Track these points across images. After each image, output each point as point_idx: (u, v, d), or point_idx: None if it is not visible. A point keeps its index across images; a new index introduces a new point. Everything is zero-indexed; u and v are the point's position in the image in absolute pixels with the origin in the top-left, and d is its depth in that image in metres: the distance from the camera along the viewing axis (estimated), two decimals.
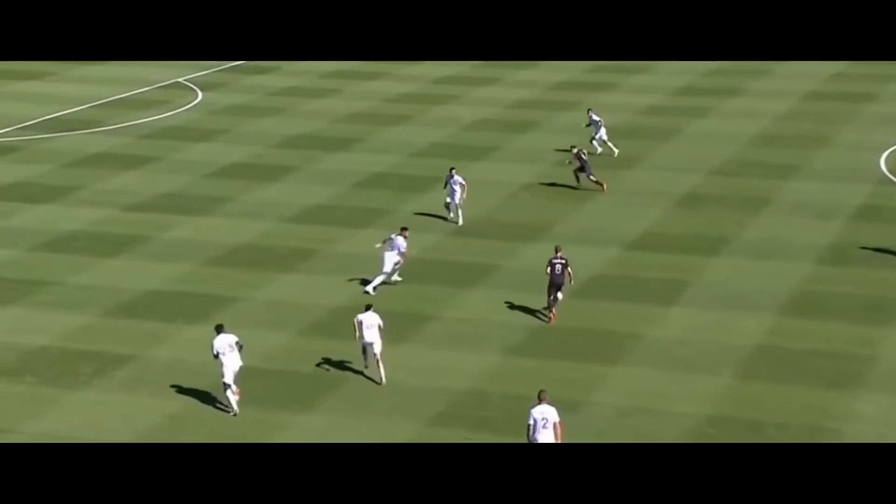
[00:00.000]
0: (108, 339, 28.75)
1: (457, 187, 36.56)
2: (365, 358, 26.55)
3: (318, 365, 27.50)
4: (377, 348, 26.26)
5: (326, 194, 40.14)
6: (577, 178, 39.62)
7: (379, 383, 26.35)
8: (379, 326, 26.37)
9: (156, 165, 43.42)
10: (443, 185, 37.56)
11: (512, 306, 30.57)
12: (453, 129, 48.34)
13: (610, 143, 43.94)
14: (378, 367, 26.38)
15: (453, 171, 36.93)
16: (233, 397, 25.08)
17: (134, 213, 38.41)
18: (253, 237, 36.16)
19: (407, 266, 32.59)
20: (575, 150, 39.85)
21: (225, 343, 25.12)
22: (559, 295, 29.49)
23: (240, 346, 25.16)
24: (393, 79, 57.76)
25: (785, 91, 54.09)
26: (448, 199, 36.81)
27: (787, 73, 57.60)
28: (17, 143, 46.21)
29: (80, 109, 51.37)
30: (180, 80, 56.96)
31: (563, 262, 29.49)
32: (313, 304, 30.93)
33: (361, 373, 26.91)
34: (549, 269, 29.51)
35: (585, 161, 39.52)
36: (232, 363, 25.03)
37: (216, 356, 25.06)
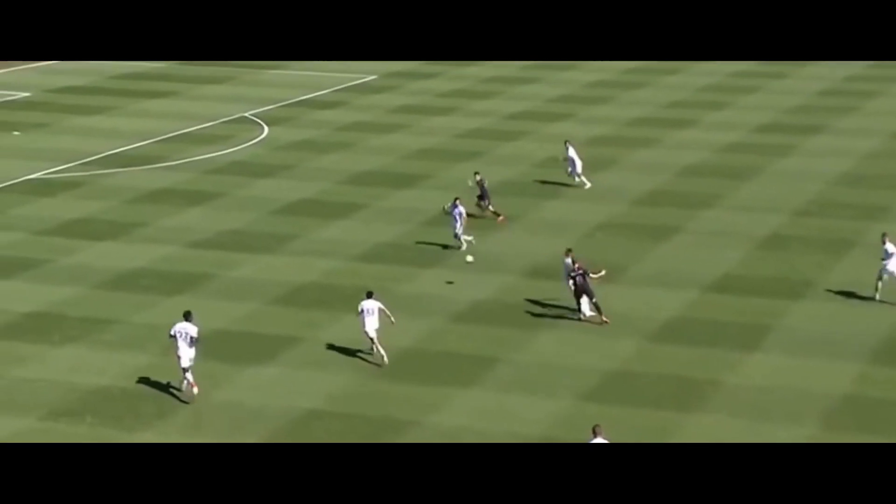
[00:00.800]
0: (171, 379, 29.11)
1: (458, 218, 38.03)
2: (372, 342, 29.82)
3: (382, 408, 27.66)
4: (374, 333, 29.73)
5: (393, 232, 40.42)
6: (480, 207, 40.86)
7: (381, 366, 29.52)
8: (380, 309, 29.87)
9: (220, 202, 43.97)
10: (446, 214, 38.35)
11: (584, 350, 30.59)
12: (524, 167, 48.53)
13: (583, 178, 44.83)
14: (378, 349, 29.74)
15: (457, 202, 38.21)
16: (186, 383, 27.82)
17: (198, 250, 38.91)
18: (318, 276, 36.49)
19: (476, 308, 32.81)
20: (478, 178, 41.29)
21: (183, 329, 27.83)
22: (592, 301, 31.95)
23: (195, 340, 27.78)
24: (462, 114, 58.11)
25: (872, 129, 53.75)
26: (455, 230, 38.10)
27: (875, 111, 57.22)
28: (80, 178, 47.01)
29: (144, 145, 52.16)
30: (246, 114, 57.69)
31: (583, 272, 32.02)
32: (391, 344, 31.08)
33: (430, 416, 27.03)
34: (570, 284, 32.06)
35: (486, 190, 40.96)
36: (186, 351, 27.71)
37: (171, 337, 27.88)
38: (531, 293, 34.77)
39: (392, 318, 30.26)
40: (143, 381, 29.28)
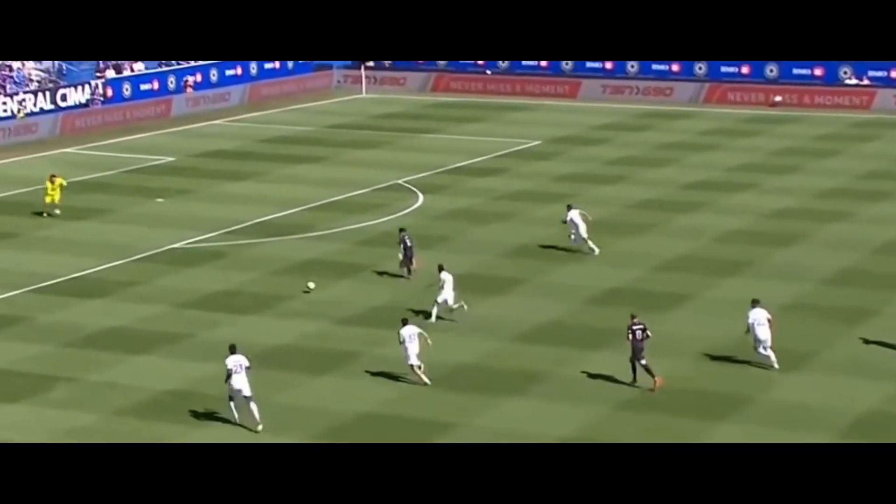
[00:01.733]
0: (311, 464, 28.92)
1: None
2: (412, 368, 33.46)
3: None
4: (416, 360, 33.56)
5: (558, 311, 39.95)
6: (406, 266, 42.89)
7: (424, 385, 33.45)
8: (419, 335, 33.67)
9: (370, 274, 44.05)
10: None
11: (765, 440, 29.69)
12: (703, 241, 47.76)
13: (590, 242, 45.62)
14: (420, 374, 33.54)
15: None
16: (235, 411, 31.40)
17: (346, 326, 38.93)
18: (476, 357, 36.15)
19: (643, 398, 32.08)
20: (402, 235, 43.23)
21: (236, 363, 31.44)
22: (643, 360, 32.84)
23: (248, 368, 31.42)
24: (632, 182, 57.58)
25: None
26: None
27: None
28: (224, 248, 47.60)
29: (292, 213, 52.68)
30: (399, 181, 57.99)
31: (643, 326, 33.13)
32: (540, 432, 30.57)
33: None
34: (630, 337, 32.98)
35: (410, 248, 42.82)
36: (244, 382, 31.34)
37: (228, 372, 31.37)
38: (710, 380, 33.91)
39: (429, 340, 34.05)
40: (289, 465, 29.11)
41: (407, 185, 57.52)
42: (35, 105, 70.89)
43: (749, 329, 34.85)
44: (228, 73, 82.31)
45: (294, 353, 36.77)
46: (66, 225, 49.22)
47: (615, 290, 41.99)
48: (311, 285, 41.51)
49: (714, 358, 35.73)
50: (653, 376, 33.12)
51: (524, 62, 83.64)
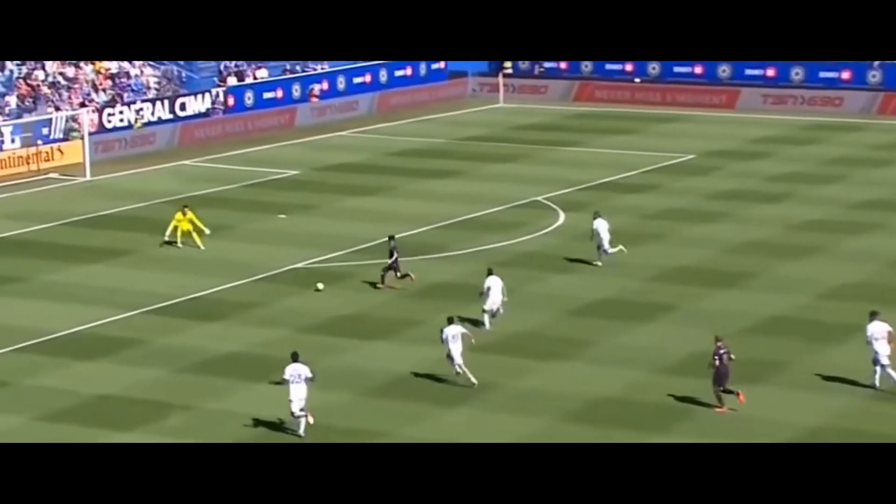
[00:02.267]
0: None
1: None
2: (452, 364, 35.78)
3: None
4: (460, 358, 35.72)
5: (708, 339, 39.53)
6: (390, 275, 44.78)
7: (471, 386, 35.68)
8: (462, 335, 35.93)
9: (511, 299, 44.06)
10: None
11: None
12: (875, 266, 47.03)
13: (609, 252, 47.20)
14: (465, 372, 35.81)
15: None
16: (303, 421, 32.84)
17: (480, 354, 38.94)
18: (618, 390, 35.97)
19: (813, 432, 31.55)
20: (392, 244, 45.00)
21: (295, 372, 32.94)
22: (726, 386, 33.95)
23: (310, 379, 33.01)
24: (797, 201, 56.92)
25: None
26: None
27: None
28: (348, 268, 47.95)
29: (421, 231, 52.91)
30: (539, 198, 57.98)
31: (727, 351, 34.15)
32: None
33: None
34: (715, 361, 34.05)
35: (395, 258, 44.62)
36: (300, 392, 32.87)
37: (283, 380, 33.05)
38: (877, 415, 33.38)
39: (473, 340, 36.54)
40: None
41: (547, 202, 57.47)
42: (153, 114, 72.12)
43: (868, 343, 35.37)
44: (356, 80, 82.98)
45: (423, 381, 36.87)
46: (190, 241, 49.95)
47: (778, 318, 41.47)
48: (321, 286, 44.26)
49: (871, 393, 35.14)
50: (735, 392, 34.16)
51: (676, 69, 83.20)
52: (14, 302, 44.47)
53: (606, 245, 47.24)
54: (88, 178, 63.30)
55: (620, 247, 47.59)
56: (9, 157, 64.27)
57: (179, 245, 49.91)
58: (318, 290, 44.47)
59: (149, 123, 71.59)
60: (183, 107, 73.51)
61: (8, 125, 65.68)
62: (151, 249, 50.13)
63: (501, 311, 40.61)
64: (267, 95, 78.26)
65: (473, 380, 35.97)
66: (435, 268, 47.82)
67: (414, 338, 40.41)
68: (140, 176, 64.31)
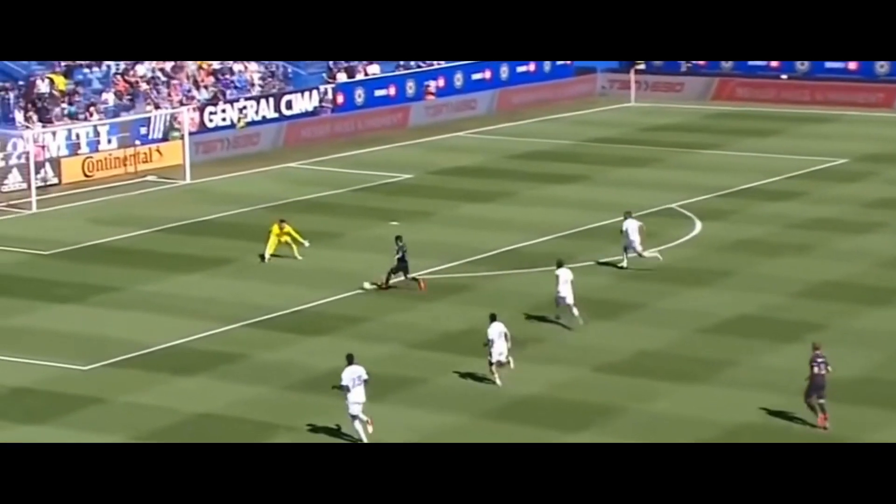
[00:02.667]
0: None
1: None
2: (490, 364, 37.75)
3: None
4: (502, 357, 37.80)
5: (861, 364, 39.28)
6: (397, 277, 46.23)
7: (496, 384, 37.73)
8: (505, 335, 37.81)
9: (636, 315, 44.02)
10: None
11: None
12: None
13: (629, 255, 48.19)
14: (508, 366, 37.85)
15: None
16: (361, 427, 33.92)
17: (608, 375, 38.99)
18: (755, 415, 35.82)
19: None
20: (400, 244, 46.30)
21: (354, 375, 34.01)
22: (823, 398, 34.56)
23: (367, 381, 34.07)
24: None
25: None
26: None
27: None
28: (464, 280, 48.15)
29: (545, 240, 52.97)
30: (673, 205, 57.84)
31: (824, 361, 34.68)
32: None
33: None
34: (814, 369, 34.59)
35: (404, 259, 45.95)
36: (360, 395, 33.99)
37: (344, 387, 34.07)
38: None
39: (508, 343, 37.95)
40: None
41: (682, 209, 57.32)
42: (257, 113, 72.83)
43: None
44: (475, 77, 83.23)
45: (545, 405, 36.99)
46: (287, 250, 50.48)
47: None
48: (367, 286, 46.12)
49: None
50: (823, 412, 34.75)
51: (827, 64, 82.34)
52: (109, 313, 45.25)
53: (638, 246, 47.96)
54: (188, 181, 64.19)
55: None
56: (105, 159, 65.11)
57: (278, 254, 50.32)
58: (363, 289, 46.22)
59: (252, 123, 72.34)
60: (289, 105, 74.21)
61: (104, 124, 66.61)
62: (253, 258, 50.69)
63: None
64: (379, 93, 78.75)
65: (499, 382, 38.03)
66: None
67: (537, 356, 40.49)
68: (242, 179, 65.08)
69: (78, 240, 53.95)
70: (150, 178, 64.98)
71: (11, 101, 65.95)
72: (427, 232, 54.67)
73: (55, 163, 63.39)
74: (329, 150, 70.77)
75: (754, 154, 68.72)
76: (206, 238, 54.20)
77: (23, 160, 61.54)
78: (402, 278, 46.44)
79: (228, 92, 73.59)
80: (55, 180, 62.91)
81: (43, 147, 63.29)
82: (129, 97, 70.21)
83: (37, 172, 60.88)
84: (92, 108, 67.50)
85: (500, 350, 37.85)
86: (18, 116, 65.48)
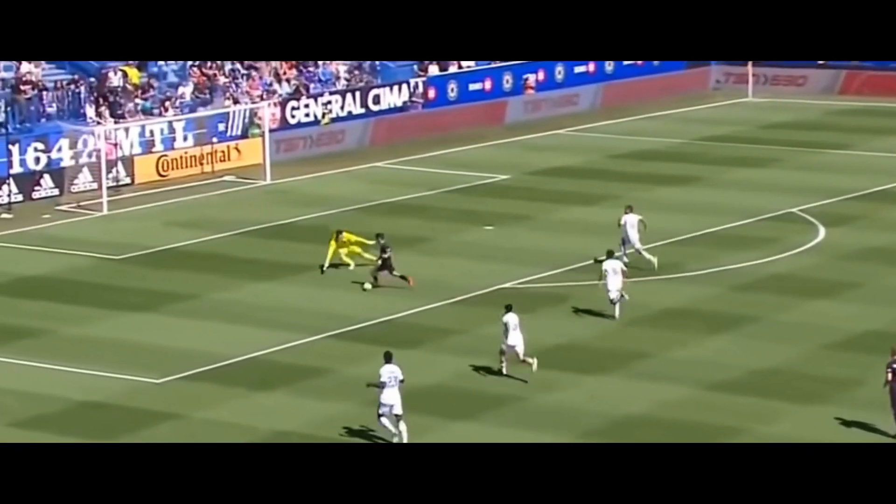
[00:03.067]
0: None
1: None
2: (502, 354, 39.51)
3: None
4: (520, 348, 39.33)
5: None
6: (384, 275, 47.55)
7: (525, 381, 39.16)
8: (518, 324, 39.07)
9: (754, 328, 43.84)
10: None
11: None
12: None
13: (627, 252, 48.84)
14: (524, 362, 39.32)
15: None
16: (390, 425, 35.11)
17: (717, 393, 38.87)
18: (883, 438, 35.58)
19: None
20: (382, 242, 47.82)
21: (392, 374, 35.31)
22: None
23: (401, 382, 35.25)
24: None
25: None
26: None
27: None
28: (564, 289, 48.09)
29: (652, 247, 52.77)
30: (794, 210, 57.56)
31: None
32: None
33: None
34: (890, 377, 35.09)
35: (388, 258, 47.36)
36: (396, 397, 35.14)
37: (382, 385, 35.19)
38: None
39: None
40: None
41: (804, 214, 57.03)
42: (342, 109, 73.06)
43: None
44: (578, 70, 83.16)
45: (650, 425, 36.92)
46: (361, 258, 50.56)
47: None
48: (368, 286, 47.65)
49: None
50: None
51: None
52: (183, 323, 45.63)
53: (637, 243, 48.97)
54: (268, 181, 64.56)
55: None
56: (180, 157, 65.62)
57: (352, 267, 49.76)
58: (365, 290, 47.79)
59: (337, 119, 72.62)
60: (376, 100, 74.44)
61: (180, 120, 67.03)
62: (338, 265, 50.83)
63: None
64: (473, 87, 78.85)
65: (504, 370, 39.90)
66: (667, 290, 47.77)
67: (641, 372, 40.47)
68: (326, 179, 65.38)
69: (151, 244, 54.41)
70: (227, 178, 65.41)
71: (82, 96, 66.54)
72: (523, 237, 54.77)
73: (128, 161, 64.04)
74: (419, 149, 70.86)
75: (884, 154, 68.23)
76: (286, 242, 54.50)
77: (94, 159, 62.21)
78: (390, 275, 47.78)
79: (312, 86, 73.81)
80: (128, 180, 63.59)
81: (115, 145, 63.79)
82: (207, 91, 70.55)
83: (108, 172, 61.44)
84: (167, 103, 67.94)
85: (514, 342, 39.52)
86: (89, 112, 66.06)
